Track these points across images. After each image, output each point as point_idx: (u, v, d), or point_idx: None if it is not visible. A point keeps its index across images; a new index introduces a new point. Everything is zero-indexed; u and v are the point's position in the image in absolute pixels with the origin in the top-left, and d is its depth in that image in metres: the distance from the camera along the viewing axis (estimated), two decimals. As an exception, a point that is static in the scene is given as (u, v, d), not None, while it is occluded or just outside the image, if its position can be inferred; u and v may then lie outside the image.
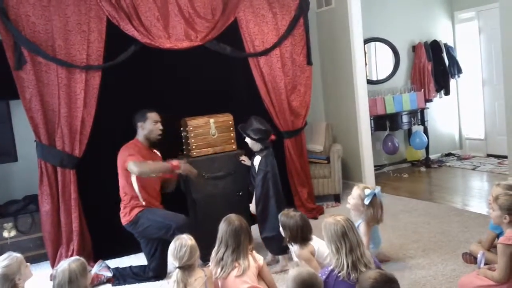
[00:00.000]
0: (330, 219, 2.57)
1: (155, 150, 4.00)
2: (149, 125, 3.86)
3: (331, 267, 2.49)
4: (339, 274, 2.43)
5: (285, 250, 3.66)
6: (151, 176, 3.71)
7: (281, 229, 3.18)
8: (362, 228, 3.40)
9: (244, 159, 4.08)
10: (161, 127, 3.90)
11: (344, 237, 2.47)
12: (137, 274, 3.83)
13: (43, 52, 3.94)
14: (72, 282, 2.33)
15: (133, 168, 3.59)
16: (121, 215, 3.79)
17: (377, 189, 3.42)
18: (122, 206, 3.80)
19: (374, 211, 3.37)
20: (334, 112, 6.14)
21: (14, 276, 2.45)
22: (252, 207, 3.86)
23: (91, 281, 3.42)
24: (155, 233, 3.67)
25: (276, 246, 3.71)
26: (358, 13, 5.59)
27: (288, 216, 3.14)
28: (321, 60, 6.15)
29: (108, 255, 4.17)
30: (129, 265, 3.94)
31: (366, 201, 3.34)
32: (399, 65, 6.90)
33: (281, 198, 3.82)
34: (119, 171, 3.78)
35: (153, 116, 3.88)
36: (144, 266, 3.86)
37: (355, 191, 3.44)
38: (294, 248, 3.15)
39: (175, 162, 3.71)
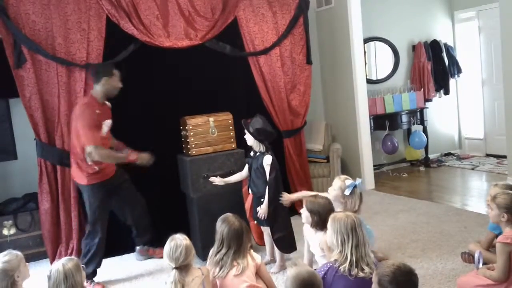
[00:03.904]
0: (340, 214, 2.59)
1: (106, 102, 3.86)
2: (115, 82, 3.72)
3: (331, 260, 2.49)
4: (340, 268, 2.42)
5: (294, 247, 3.73)
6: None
7: (305, 215, 3.18)
8: None
9: (215, 180, 3.87)
10: (121, 85, 3.79)
11: (353, 232, 2.47)
12: None
13: (43, 51, 3.94)
14: (67, 279, 2.33)
15: (94, 154, 3.54)
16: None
17: (358, 181, 3.38)
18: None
19: (352, 201, 3.32)
20: (334, 112, 6.14)
21: (14, 272, 2.45)
22: (264, 209, 3.63)
23: None
24: None
25: (289, 244, 3.73)
26: (358, 13, 5.60)
27: (316, 201, 3.15)
28: (320, 59, 6.16)
29: (107, 253, 4.17)
30: None
31: (347, 192, 3.30)
32: (398, 65, 6.90)
33: None
34: (73, 134, 3.70)
35: (118, 73, 3.76)
36: None
37: (336, 182, 3.40)
38: (318, 235, 3.12)
39: (132, 156, 3.75)
